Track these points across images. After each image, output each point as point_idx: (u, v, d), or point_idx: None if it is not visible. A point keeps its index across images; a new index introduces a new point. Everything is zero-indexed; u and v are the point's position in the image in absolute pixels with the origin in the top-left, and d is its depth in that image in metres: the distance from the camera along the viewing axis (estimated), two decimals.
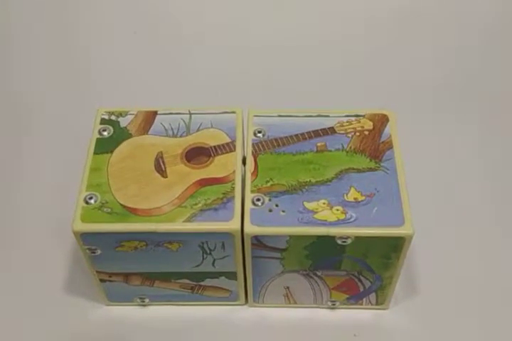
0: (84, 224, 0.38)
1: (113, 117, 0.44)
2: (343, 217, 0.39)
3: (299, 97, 0.58)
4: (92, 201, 0.39)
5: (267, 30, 0.65)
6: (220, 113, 0.44)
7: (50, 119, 0.58)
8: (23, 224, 0.50)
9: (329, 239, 0.39)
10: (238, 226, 0.38)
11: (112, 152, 0.42)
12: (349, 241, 0.39)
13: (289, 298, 0.45)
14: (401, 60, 0.62)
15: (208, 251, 0.40)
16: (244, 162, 0.43)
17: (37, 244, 0.49)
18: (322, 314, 0.45)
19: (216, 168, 0.41)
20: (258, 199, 0.39)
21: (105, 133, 0.43)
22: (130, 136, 0.42)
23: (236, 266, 0.41)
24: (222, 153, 0.41)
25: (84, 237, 0.38)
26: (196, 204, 0.39)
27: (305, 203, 0.39)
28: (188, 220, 0.38)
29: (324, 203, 0.39)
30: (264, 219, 0.39)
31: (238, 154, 0.42)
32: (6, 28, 0.65)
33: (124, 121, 0.43)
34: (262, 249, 0.40)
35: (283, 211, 0.39)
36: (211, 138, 0.42)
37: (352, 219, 0.38)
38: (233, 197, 0.39)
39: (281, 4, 0.66)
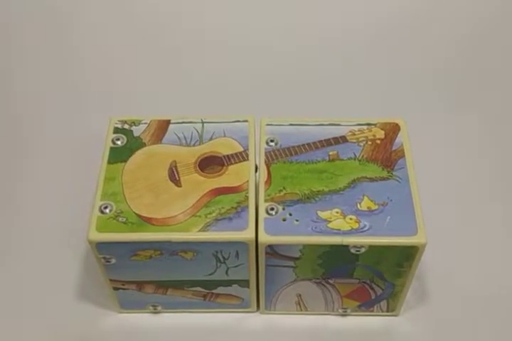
0: (100, 233, 0.38)
1: (126, 126, 0.44)
2: (356, 226, 0.39)
3: (310, 104, 0.58)
4: (107, 210, 0.39)
5: (279, 37, 0.65)
6: (232, 122, 0.44)
7: (64, 128, 0.58)
8: (36, 233, 0.50)
9: (343, 248, 0.39)
10: (253, 235, 0.38)
11: (125, 161, 0.42)
12: (363, 250, 0.39)
13: (301, 306, 0.45)
14: (409, 66, 0.62)
15: (222, 260, 0.40)
16: (256, 170, 0.43)
17: (50, 252, 0.49)
18: (333, 321, 0.46)
19: (230, 177, 0.41)
20: (272, 209, 0.40)
21: (119, 143, 0.43)
22: (144, 145, 0.43)
23: (249, 274, 0.41)
24: (236, 162, 0.42)
25: (100, 247, 0.38)
26: (210, 213, 0.39)
27: (318, 212, 0.40)
28: (203, 230, 0.38)
29: (337, 212, 0.40)
30: (278, 229, 0.39)
31: (251, 163, 0.42)
32: (12, 31, 0.66)
33: (137, 130, 0.44)
34: (276, 258, 0.40)
35: (296, 220, 0.39)
36: (224, 147, 0.43)
37: (366, 228, 0.39)
38: (247, 207, 0.39)
39: (293, 9, 0.66)
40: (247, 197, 0.40)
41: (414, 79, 0.61)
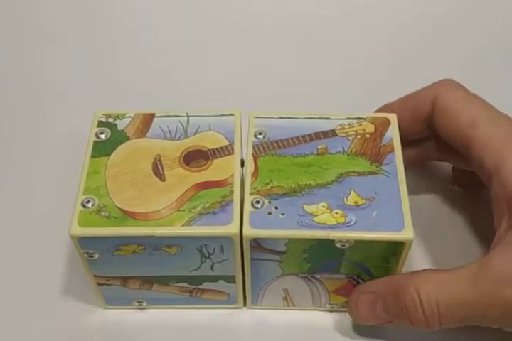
0: (82, 228, 0.38)
1: (110, 120, 0.43)
2: (342, 220, 0.38)
3: (299, 99, 0.58)
4: (90, 205, 0.39)
5: (267, 30, 0.65)
6: (218, 115, 0.44)
7: (46, 122, 0.57)
8: (18, 228, 0.50)
9: (329, 243, 0.38)
10: (237, 230, 0.38)
11: (109, 155, 0.41)
12: (348, 244, 0.38)
13: (288, 301, 0.45)
14: (402, 63, 0.62)
15: (207, 255, 0.40)
16: (242, 165, 0.43)
17: (33, 247, 0.48)
18: (321, 317, 0.45)
19: (215, 171, 0.40)
20: (257, 202, 0.39)
21: (102, 136, 0.42)
22: (128, 138, 0.42)
23: (235, 269, 0.41)
24: (221, 156, 0.41)
25: (82, 241, 0.38)
26: (195, 207, 0.39)
27: (305, 206, 0.39)
28: (187, 224, 0.38)
29: (324, 206, 0.39)
30: (263, 222, 0.38)
31: (237, 157, 0.41)
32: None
33: (121, 124, 0.43)
34: (261, 252, 0.40)
35: (282, 214, 0.39)
36: (209, 140, 0.42)
37: (351, 223, 0.38)
38: (232, 201, 0.39)
39: (281, 4, 0.66)
40: (231, 192, 0.39)
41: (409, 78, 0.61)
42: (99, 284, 0.42)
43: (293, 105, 0.58)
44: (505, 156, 0.39)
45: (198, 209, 0.39)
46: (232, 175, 0.40)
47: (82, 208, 0.38)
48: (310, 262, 0.40)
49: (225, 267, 0.41)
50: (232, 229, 0.38)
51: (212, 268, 0.41)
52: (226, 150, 0.41)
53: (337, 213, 0.39)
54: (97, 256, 0.39)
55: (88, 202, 0.39)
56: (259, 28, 0.65)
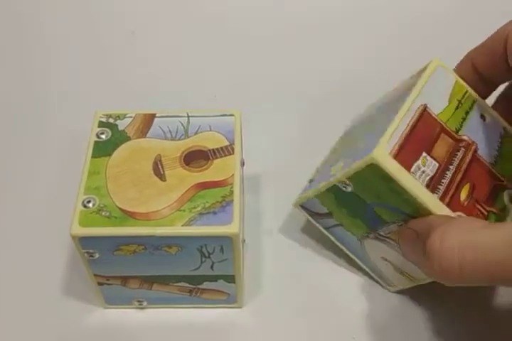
0: (83, 228, 0.38)
1: (111, 120, 0.43)
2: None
3: (299, 99, 0.58)
4: (91, 205, 0.39)
5: (266, 30, 0.65)
6: (218, 115, 0.44)
7: (46, 122, 0.58)
8: (18, 227, 0.50)
9: (337, 189, 0.40)
10: (237, 230, 0.38)
11: (110, 155, 0.41)
12: (348, 185, 0.39)
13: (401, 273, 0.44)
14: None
15: (207, 255, 0.40)
16: (242, 165, 0.43)
17: (33, 247, 0.49)
18: (321, 316, 0.45)
19: (215, 171, 0.41)
20: None
21: (103, 136, 0.42)
22: (128, 139, 0.42)
23: (234, 269, 0.41)
24: (221, 156, 0.41)
25: (83, 241, 0.38)
26: (195, 207, 0.39)
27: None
28: (187, 224, 0.38)
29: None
30: None
31: (237, 157, 0.41)
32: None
33: (122, 124, 0.43)
34: (320, 218, 0.40)
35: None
36: (210, 141, 0.42)
37: (345, 166, 0.40)
38: (232, 201, 0.39)
39: (280, 4, 0.66)
40: (232, 192, 0.39)
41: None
42: (100, 284, 0.43)
43: (293, 105, 0.59)
44: None
45: (199, 209, 0.39)
46: (233, 175, 0.40)
47: (82, 208, 0.39)
48: (355, 216, 0.41)
49: (224, 267, 0.41)
50: (232, 229, 0.38)
51: (212, 267, 0.41)
52: (226, 151, 0.42)
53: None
54: (97, 255, 0.39)
55: (89, 202, 0.39)
56: (259, 28, 0.65)
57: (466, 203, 0.38)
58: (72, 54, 0.63)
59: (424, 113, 0.39)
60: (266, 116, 0.56)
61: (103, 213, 0.38)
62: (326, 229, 0.44)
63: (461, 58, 0.43)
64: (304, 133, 0.56)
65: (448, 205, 0.37)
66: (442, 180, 0.38)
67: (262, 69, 0.61)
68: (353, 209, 0.41)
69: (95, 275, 0.42)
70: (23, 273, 0.47)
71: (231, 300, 0.45)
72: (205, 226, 0.38)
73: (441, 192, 0.37)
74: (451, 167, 0.38)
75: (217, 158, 0.41)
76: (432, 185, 0.37)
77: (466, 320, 0.44)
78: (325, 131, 0.51)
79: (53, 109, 0.59)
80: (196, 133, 0.43)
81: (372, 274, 0.45)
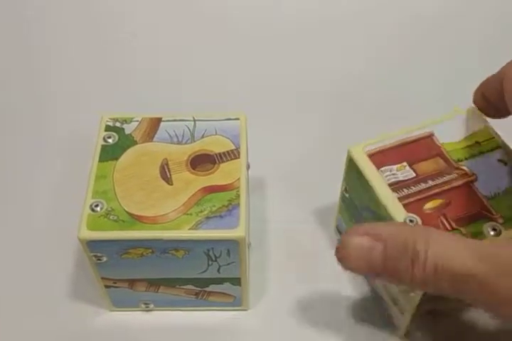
0: (91, 231, 0.38)
1: (117, 124, 0.44)
2: None
3: (300, 99, 0.58)
4: (98, 208, 0.39)
5: (268, 32, 0.65)
6: (223, 119, 0.44)
7: (53, 126, 0.58)
8: (27, 231, 0.50)
9: None
10: (243, 233, 0.38)
11: (117, 159, 0.42)
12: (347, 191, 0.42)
13: None
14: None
15: (214, 258, 0.40)
16: (248, 168, 0.43)
17: (41, 250, 0.49)
18: (322, 314, 0.46)
19: (221, 175, 0.41)
20: None
21: (110, 140, 0.43)
22: (135, 143, 0.43)
23: (241, 272, 0.42)
24: (227, 160, 0.42)
25: (91, 245, 0.38)
26: (202, 211, 0.39)
27: None
28: (194, 228, 0.38)
29: None
30: None
31: (243, 161, 0.42)
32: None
33: (128, 128, 0.43)
34: None
35: None
36: (216, 145, 0.43)
37: None
38: (238, 205, 0.39)
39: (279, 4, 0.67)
40: (238, 195, 0.40)
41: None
42: (107, 286, 0.43)
43: (297, 108, 0.59)
44: None
45: (205, 212, 0.39)
46: (239, 179, 0.41)
47: (90, 212, 0.39)
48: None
49: (231, 270, 0.41)
50: (239, 232, 0.38)
51: (218, 270, 0.41)
52: (232, 155, 0.42)
53: None
54: (105, 259, 0.40)
55: (97, 205, 0.39)
56: (259, 29, 0.65)
57: (427, 211, 0.38)
58: (77, 57, 0.64)
59: (426, 138, 0.41)
60: (270, 118, 0.56)
61: (111, 217, 0.39)
62: None
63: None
64: (308, 136, 0.56)
65: (404, 205, 0.38)
66: (411, 187, 0.39)
67: (267, 72, 0.62)
68: (355, 219, 0.42)
69: (103, 278, 0.42)
70: (31, 276, 0.47)
71: (237, 302, 0.45)
72: (211, 230, 0.38)
73: (402, 194, 0.38)
74: (429, 182, 0.39)
75: (223, 161, 0.42)
76: (395, 185, 0.39)
77: None
78: (330, 133, 0.51)
79: (59, 113, 0.59)
80: (202, 137, 0.43)
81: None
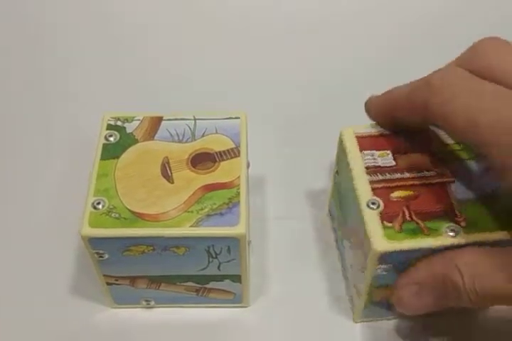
0: (93, 229, 0.38)
1: (119, 123, 0.44)
2: None
3: (299, 99, 0.59)
4: (100, 206, 0.39)
5: (268, 31, 0.65)
6: (224, 118, 0.44)
7: (55, 124, 0.58)
8: (29, 229, 0.51)
9: None
10: (244, 231, 0.39)
11: (118, 157, 0.42)
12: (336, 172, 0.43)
13: None
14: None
15: (214, 255, 0.40)
16: (248, 166, 0.44)
17: (42, 248, 0.49)
18: (323, 313, 0.46)
19: (221, 173, 0.41)
20: None
21: (111, 139, 0.43)
22: (136, 141, 0.43)
23: (241, 269, 0.42)
24: (227, 159, 0.42)
25: (93, 242, 0.39)
26: (202, 209, 0.40)
27: None
28: (195, 225, 0.39)
29: None
30: None
31: (243, 159, 0.42)
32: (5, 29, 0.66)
33: (130, 127, 0.44)
34: None
35: None
36: (216, 143, 0.43)
37: None
38: (238, 202, 0.40)
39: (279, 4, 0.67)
40: (238, 193, 0.40)
41: None
42: (108, 284, 0.43)
43: (297, 106, 0.59)
44: None
45: (206, 210, 0.39)
46: (239, 177, 0.41)
47: (92, 209, 0.39)
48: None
49: (231, 267, 0.42)
50: (239, 230, 0.39)
51: (219, 267, 0.42)
52: (232, 153, 0.42)
53: None
54: (106, 256, 0.40)
55: (98, 203, 0.40)
56: (259, 28, 0.66)
57: (393, 199, 0.38)
58: (79, 55, 0.64)
59: (420, 133, 0.41)
60: (270, 117, 0.57)
61: (112, 214, 0.39)
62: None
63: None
64: (308, 134, 0.57)
65: (373, 189, 0.39)
66: (386, 174, 0.40)
67: (268, 70, 0.62)
68: (341, 203, 0.43)
69: (104, 275, 0.42)
70: (33, 274, 0.48)
71: (237, 299, 0.45)
72: (212, 227, 0.39)
73: (375, 178, 0.39)
74: (406, 173, 0.40)
75: (223, 160, 0.42)
76: (371, 169, 0.40)
77: None
78: (329, 132, 0.52)
79: (61, 111, 0.59)
80: (203, 136, 0.43)
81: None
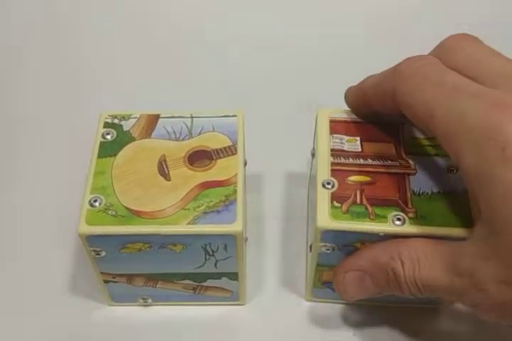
0: (90, 226, 0.39)
1: (116, 121, 0.44)
2: None
3: (299, 98, 0.59)
4: (97, 204, 0.40)
5: (268, 31, 0.65)
6: (221, 116, 0.45)
7: (52, 122, 0.58)
8: (25, 226, 0.51)
9: None
10: (241, 228, 0.39)
11: (115, 155, 0.42)
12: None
13: None
14: None
15: (211, 253, 0.41)
16: (245, 164, 0.44)
17: (39, 245, 0.49)
18: (322, 310, 0.46)
19: (218, 170, 0.41)
20: None
21: (108, 137, 0.43)
22: (133, 139, 0.43)
23: (238, 266, 0.42)
24: (224, 156, 0.42)
25: (90, 239, 0.39)
26: (199, 206, 0.40)
27: None
28: (192, 222, 0.39)
29: None
30: None
31: (239, 157, 0.42)
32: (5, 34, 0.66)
33: (127, 125, 0.44)
34: None
35: None
36: (213, 141, 0.43)
37: None
38: (235, 200, 0.40)
39: (281, 5, 0.67)
40: (235, 191, 0.40)
41: None
42: (106, 281, 0.43)
43: (294, 105, 0.59)
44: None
45: (203, 208, 0.39)
46: (236, 174, 0.41)
47: (89, 207, 0.39)
48: None
49: (228, 264, 0.42)
50: (236, 227, 0.39)
51: (216, 265, 0.42)
52: (229, 151, 0.42)
53: None
54: (104, 253, 0.40)
55: (95, 201, 0.40)
56: (258, 28, 0.66)
57: (349, 182, 0.39)
58: (77, 55, 0.64)
59: (393, 125, 0.42)
60: (267, 115, 0.57)
61: (109, 212, 0.39)
62: None
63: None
64: (305, 132, 0.57)
65: (332, 170, 0.40)
66: (349, 158, 0.41)
67: (265, 69, 0.62)
68: (311, 186, 0.44)
69: (101, 273, 0.42)
70: (29, 271, 0.48)
71: (234, 297, 0.45)
72: (209, 224, 0.39)
73: (337, 161, 0.40)
74: (369, 160, 0.40)
75: (220, 157, 0.42)
76: (336, 152, 0.41)
77: None
78: None
79: (58, 110, 0.59)
80: (200, 134, 0.43)
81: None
